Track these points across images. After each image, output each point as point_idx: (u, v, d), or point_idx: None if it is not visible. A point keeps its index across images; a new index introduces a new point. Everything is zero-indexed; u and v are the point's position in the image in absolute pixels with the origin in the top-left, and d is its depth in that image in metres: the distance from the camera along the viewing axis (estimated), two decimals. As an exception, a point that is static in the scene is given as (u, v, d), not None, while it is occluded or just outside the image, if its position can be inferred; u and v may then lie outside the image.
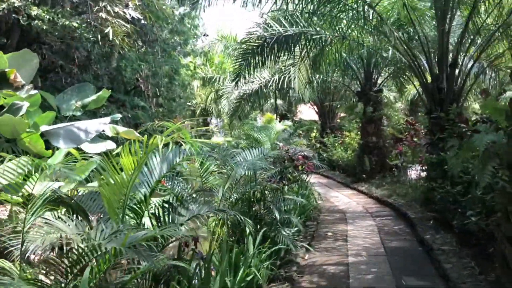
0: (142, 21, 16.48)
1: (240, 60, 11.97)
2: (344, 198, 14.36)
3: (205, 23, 44.71)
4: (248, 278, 4.91)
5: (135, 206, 3.79)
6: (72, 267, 2.88)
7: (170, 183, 5.52)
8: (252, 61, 11.68)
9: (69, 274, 2.87)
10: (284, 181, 7.79)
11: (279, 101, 28.96)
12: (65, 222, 3.28)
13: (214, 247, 5.32)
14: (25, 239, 3.03)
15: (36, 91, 7.71)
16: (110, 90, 8.25)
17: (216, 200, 5.36)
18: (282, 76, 17.27)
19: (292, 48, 11.64)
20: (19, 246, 3.14)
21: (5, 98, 7.42)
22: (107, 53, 14.17)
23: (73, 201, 3.87)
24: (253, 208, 6.36)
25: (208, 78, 27.61)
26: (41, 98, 8.56)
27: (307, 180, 12.13)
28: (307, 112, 32.73)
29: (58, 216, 3.58)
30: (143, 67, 13.75)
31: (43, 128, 6.51)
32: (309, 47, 11.59)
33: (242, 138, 18.57)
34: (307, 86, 16.01)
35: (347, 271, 6.70)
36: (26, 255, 2.84)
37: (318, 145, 23.53)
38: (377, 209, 12.02)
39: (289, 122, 17.06)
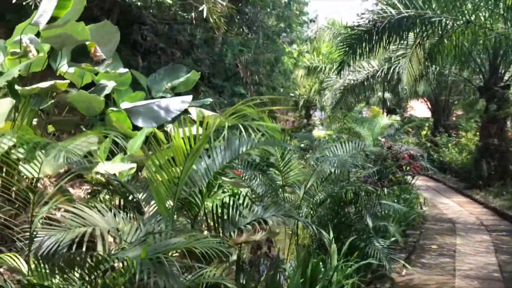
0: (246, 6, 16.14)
1: (345, 46, 10.95)
2: (455, 206, 12.75)
3: (315, 10, 43.48)
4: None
5: (191, 199, 3.14)
6: (91, 270, 2.30)
7: (247, 174, 4.86)
8: (358, 48, 10.61)
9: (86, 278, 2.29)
10: (383, 182, 6.77)
11: (387, 95, 27.24)
12: (101, 213, 2.72)
13: (291, 253, 4.57)
14: (34, 234, 2.52)
15: (126, 70, 7.47)
16: (199, 73, 7.80)
17: (297, 200, 4.58)
18: (392, 67, 15.89)
19: (405, 34, 10.41)
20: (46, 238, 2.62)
21: (96, 74, 7.27)
22: (210, 38, 13.90)
23: (122, 187, 3.33)
24: (342, 212, 5.47)
25: (313, 68, 26.69)
26: (133, 78, 8.39)
27: (412, 182, 10.88)
28: (419, 109, 30.41)
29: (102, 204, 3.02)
30: (244, 52, 13.27)
31: (124, 105, 6.18)
32: (425, 33, 10.28)
33: (344, 132, 17.56)
34: (418, 80, 14.45)
35: (453, 297, 5.59)
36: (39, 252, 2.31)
37: (429, 145, 21.61)
38: (493, 222, 10.40)
39: (396, 117, 15.71)
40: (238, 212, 3.18)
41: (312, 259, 4.33)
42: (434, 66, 15.49)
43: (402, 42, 10.80)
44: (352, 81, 16.90)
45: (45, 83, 4.71)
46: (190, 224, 3.09)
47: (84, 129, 7.26)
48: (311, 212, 5.08)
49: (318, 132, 29.67)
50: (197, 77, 7.65)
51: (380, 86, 18.84)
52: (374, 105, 25.25)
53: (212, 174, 3.11)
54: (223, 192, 9.51)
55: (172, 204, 2.82)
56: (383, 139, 9.63)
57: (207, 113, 7.41)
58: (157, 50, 11.85)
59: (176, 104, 5.98)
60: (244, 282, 3.41)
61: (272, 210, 3.17)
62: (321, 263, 4.53)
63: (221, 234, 3.03)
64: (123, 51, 9.98)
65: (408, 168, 9.14)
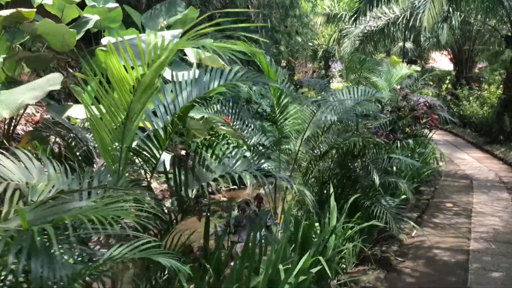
0: None
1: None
2: (473, 162, 12.05)
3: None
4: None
5: (145, 148, 2.54)
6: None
7: (236, 122, 4.28)
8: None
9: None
10: (396, 135, 6.13)
11: (408, 44, 26.02)
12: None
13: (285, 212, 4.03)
14: None
15: (116, 4, 6.81)
16: (198, 10, 7.06)
17: (293, 152, 4.00)
18: (415, 13, 14.82)
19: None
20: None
21: (82, 10, 6.63)
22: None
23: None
24: (346, 166, 4.87)
25: (332, 15, 25.45)
26: (126, 15, 7.70)
27: (429, 136, 10.19)
28: (442, 61, 29.07)
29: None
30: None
31: (105, 40, 5.54)
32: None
33: (362, 82, 16.74)
34: (439, 23, 13.40)
35: (466, 262, 5.04)
36: None
37: (449, 98, 20.63)
38: (514, 180, 9.75)
39: (416, 67, 14.78)
40: (205, 165, 2.62)
41: (306, 220, 3.78)
42: (458, 12, 14.42)
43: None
44: (371, 28, 15.91)
45: (6, 10, 4.10)
46: (146, 180, 2.55)
47: (70, 70, 6.69)
48: (310, 166, 4.51)
49: (337, 84, 28.70)
50: (195, 14, 6.94)
51: (401, 35, 17.74)
52: (395, 55, 24.08)
53: (171, 115, 2.51)
54: (227, 144, 8.96)
55: (120, 153, 2.27)
56: (398, 87, 8.83)
57: (206, 54, 6.77)
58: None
59: (166, 38, 5.33)
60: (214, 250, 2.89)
61: (244, 165, 2.60)
62: (317, 224, 3.99)
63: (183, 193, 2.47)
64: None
65: (425, 120, 8.43)
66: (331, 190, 4.22)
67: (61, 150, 2.75)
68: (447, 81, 23.82)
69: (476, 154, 13.37)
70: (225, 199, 5.12)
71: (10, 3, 5.36)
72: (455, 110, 19.04)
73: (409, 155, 7.51)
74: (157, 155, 2.49)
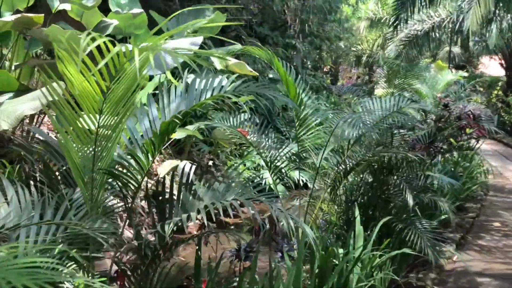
0: None
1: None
2: (525, 175, 11.17)
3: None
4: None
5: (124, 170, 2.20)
6: None
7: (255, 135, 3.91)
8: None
9: None
10: (437, 148, 5.57)
11: (456, 49, 24.94)
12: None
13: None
14: None
15: (141, 10, 6.58)
16: (224, 14, 6.75)
17: (312, 168, 3.57)
18: (461, 16, 14.02)
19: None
20: None
21: (106, 16, 6.45)
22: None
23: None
24: (377, 185, 4.38)
25: (376, 19, 24.74)
26: (153, 21, 7.46)
27: (475, 147, 9.48)
28: (492, 67, 27.62)
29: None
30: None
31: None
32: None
33: (406, 89, 15.99)
34: (486, 25, 12.54)
35: (516, 294, 4.46)
36: None
37: (500, 105, 19.50)
38: None
39: (463, 73, 13.97)
40: (191, 192, 2.25)
41: (324, 248, 3.34)
42: (509, 14, 13.51)
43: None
44: (415, 32, 15.20)
45: (12, 16, 3.89)
46: (125, 205, 2.20)
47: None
48: (337, 183, 4.05)
49: (381, 90, 27.84)
50: (222, 19, 6.63)
51: (448, 39, 16.90)
52: (441, 60, 23.04)
53: (156, 130, 2.14)
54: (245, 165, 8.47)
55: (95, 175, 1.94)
56: (439, 95, 8.16)
57: (233, 61, 6.44)
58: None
59: (184, 46, 5.02)
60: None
61: (236, 192, 2.20)
62: (341, 251, 3.54)
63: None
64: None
65: (471, 131, 7.77)
66: (357, 213, 3.75)
67: (29, 171, 2.45)
68: (498, 88, 22.59)
69: (529, 167, 12.43)
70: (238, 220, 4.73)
71: (29, 9, 5.21)
72: (506, 118, 17.98)
73: (452, 169, 6.90)
74: (139, 178, 2.14)
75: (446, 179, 4.50)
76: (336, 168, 3.91)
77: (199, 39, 5.06)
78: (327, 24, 15.38)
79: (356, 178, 4.46)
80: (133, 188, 2.14)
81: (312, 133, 3.65)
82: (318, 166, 3.65)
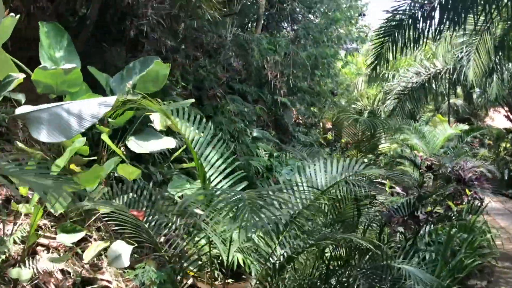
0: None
1: (382, 35, 8.63)
2: (542, 238, 9.83)
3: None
4: None
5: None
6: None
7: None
8: (399, 37, 8.25)
9: None
10: (418, 220, 4.44)
11: (459, 101, 24.10)
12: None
13: None
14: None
15: (73, 65, 5.73)
16: (168, 64, 5.86)
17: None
18: (458, 66, 13.19)
19: (461, 19, 7.82)
20: None
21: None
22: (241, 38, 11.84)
23: None
24: (329, 279, 3.23)
25: (374, 75, 24.06)
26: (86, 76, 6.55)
27: (480, 208, 8.29)
28: (500, 119, 26.41)
29: None
30: (272, 51, 11.20)
31: (20, 110, 4.35)
32: (491, 15, 7.76)
33: (401, 144, 14.96)
34: (488, 75, 11.63)
35: None
36: None
37: (508, 159, 18.29)
38: None
39: (464, 126, 12.92)
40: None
41: None
42: (510, 62, 12.64)
43: (457, 28, 8.19)
44: (410, 85, 14.36)
45: None
46: None
47: None
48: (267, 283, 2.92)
49: (384, 145, 26.72)
50: (165, 70, 5.74)
51: (447, 90, 16.03)
52: (445, 113, 22.02)
53: None
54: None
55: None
56: (421, 154, 7.01)
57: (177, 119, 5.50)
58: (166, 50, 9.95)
59: (92, 107, 4.07)
60: None
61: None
62: None
63: None
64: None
65: (470, 193, 6.66)
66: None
67: None
68: (506, 140, 21.48)
69: (545, 228, 11.08)
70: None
71: None
72: (516, 172, 16.76)
73: (446, 243, 5.70)
74: None
75: (416, 273, 3.29)
76: (265, 263, 2.81)
77: (111, 99, 4.12)
78: (319, 79, 14.59)
79: (297, 274, 3.32)
80: None
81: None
82: (228, 258, 2.55)
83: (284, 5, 14.02)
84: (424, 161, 5.51)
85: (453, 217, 6.05)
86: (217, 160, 3.78)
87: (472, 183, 5.25)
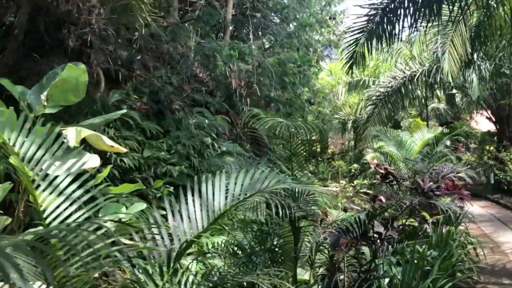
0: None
1: (356, 32, 8.02)
2: (528, 246, 9.12)
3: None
4: None
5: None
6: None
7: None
8: (373, 33, 7.63)
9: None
10: (371, 241, 3.68)
11: (441, 105, 23.60)
12: None
13: None
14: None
15: (-23, 76, 4.94)
16: (83, 67, 5.06)
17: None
18: (435, 66, 12.60)
19: (435, 10, 7.28)
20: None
21: None
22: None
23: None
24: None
25: (354, 83, 23.53)
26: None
27: (460, 218, 7.60)
28: (484, 122, 25.88)
29: None
30: (235, 59, 10.50)
31: None
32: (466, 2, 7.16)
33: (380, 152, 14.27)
34: (464, 68, 10.99)
35: None
36: None
37: (491, 162, 17.64)
38: None
39: (442, 129, 12.26)
40: None
41: None
42: (488, 61, 12.08)
43: (433, 19, 7.59)
44: (385, 89, 13.72)
45: None
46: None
47: None
48: None
49: (372, 154, 25.99)
50: (83, 76, 4.95)
51: (423, 93, 15.43)
52: (429, 118, 21.33)
53: None
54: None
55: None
56: (375, 161, 6.22)
57: (85, 132, 4.72)
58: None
59: None
60: None
61: None
62: None
63: None
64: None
65: (448, 200, 5.95)
66: None
67: None
68: (488, 144, 20.87)
69: (531, 234, 10.38)
70: None
71: None
72: (501, 176, 16.11)
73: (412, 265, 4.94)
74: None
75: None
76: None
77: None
78: (294, 88, 13.86)
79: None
80: None
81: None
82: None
83: (254, 12, 13.41)
84: (377, 169, 4.73)
85: (425, 231, 5.30)
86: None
87: (432, 194, 4.49)
